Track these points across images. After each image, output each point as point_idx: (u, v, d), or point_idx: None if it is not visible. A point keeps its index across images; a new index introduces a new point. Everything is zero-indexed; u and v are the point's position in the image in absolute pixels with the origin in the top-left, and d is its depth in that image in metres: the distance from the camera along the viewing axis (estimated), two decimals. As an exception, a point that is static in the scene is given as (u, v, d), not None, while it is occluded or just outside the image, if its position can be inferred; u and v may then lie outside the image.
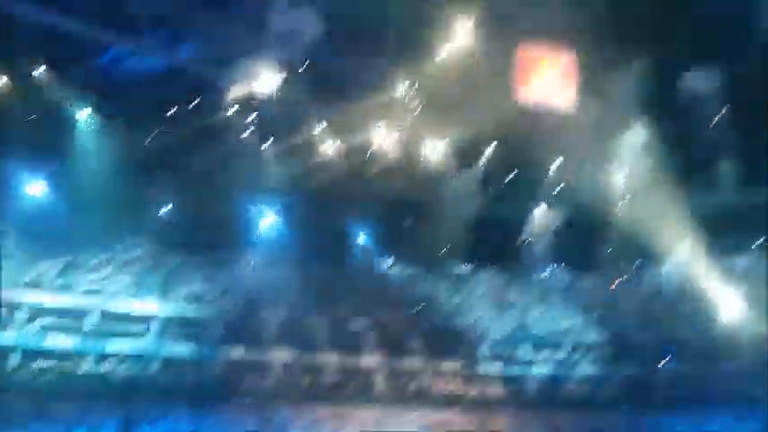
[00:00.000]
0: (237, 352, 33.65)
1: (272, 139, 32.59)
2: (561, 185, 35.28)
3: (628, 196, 35.00)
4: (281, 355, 34.45)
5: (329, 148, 32.42)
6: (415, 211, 38.02)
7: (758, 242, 40.75)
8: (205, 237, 34.83)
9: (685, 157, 31.37)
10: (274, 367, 34.12)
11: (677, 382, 38.86)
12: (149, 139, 29.90)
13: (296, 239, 37.15)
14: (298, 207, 34.90)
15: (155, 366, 31.94)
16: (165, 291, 33.56)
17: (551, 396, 38.83)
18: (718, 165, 34.91)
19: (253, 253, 37.93)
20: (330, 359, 35.61)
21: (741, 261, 41.26)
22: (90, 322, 31.37)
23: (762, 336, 37.60)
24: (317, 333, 36.35)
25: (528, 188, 37.31)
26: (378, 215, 36.92)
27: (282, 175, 33.30)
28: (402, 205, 37.24)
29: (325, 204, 34.33)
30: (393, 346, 37.48)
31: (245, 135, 31.96)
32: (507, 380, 38.82)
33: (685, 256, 38.42)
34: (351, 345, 36.66)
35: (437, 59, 27.90)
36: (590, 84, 27.60)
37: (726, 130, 30.49)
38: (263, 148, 32.87)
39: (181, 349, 32.83)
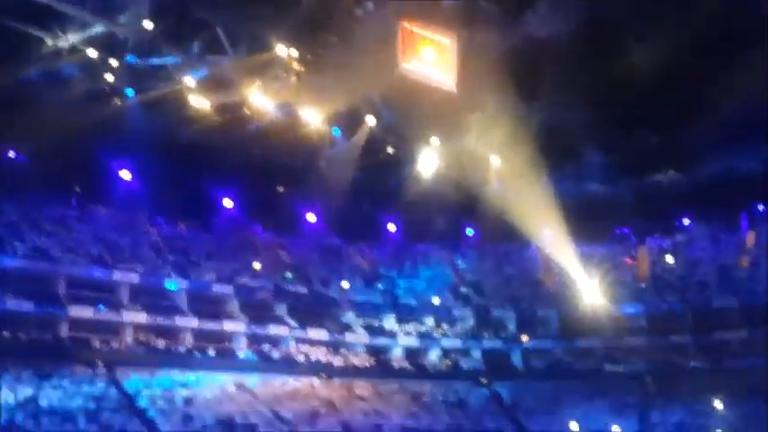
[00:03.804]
0: (86, 311, 31.23)
1: (138, 88, 29.93)
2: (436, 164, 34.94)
3: (500, 179, 35.35)
4: (133, 317, 32.39)
5: (200, 103, 30.12)
6: (289, 177, 36.83)
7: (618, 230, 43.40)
8: (57, 188, 32.23)
9: (556, 146, 32.06)
10: (126, 329, 32.09)
11: (535, 356, 40.89)
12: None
13: (158, 196, 35.06)
14: (162, 162, 32.53)
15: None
16: (3, 243, 30.52)
17: (415, 366, 39.62)
18: (586, 156, 36.21)
19: (109, 207, 35.66)
20: (189, 323, 33.96)
21: (601, 247, 43.61)
22: None
23: (616, 317, 40.15)
24: (177, 296, 34.61)
25: (404, 163, 36.92)
26: (249, 178, 35.21)
27: (148, 128, 30.83)
28: (276, 170, 35.88)
29: (192, 162, 32.27)
30: (258, 312, 36.49)
31: (108, 81, 29.15)
32: (373, 349, 39.04)
33: (550, 239, 39.83)
34: (213, 309, 35.25)
35: (322, 24, 26.37)
36: (471, 66, 27.09)
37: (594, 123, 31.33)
38: (126, 98, 30.20)
39: (22, 305, 29.99)
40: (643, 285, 41.23)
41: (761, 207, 41.72)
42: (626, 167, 37.23)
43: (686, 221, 43.26)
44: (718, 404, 34.40)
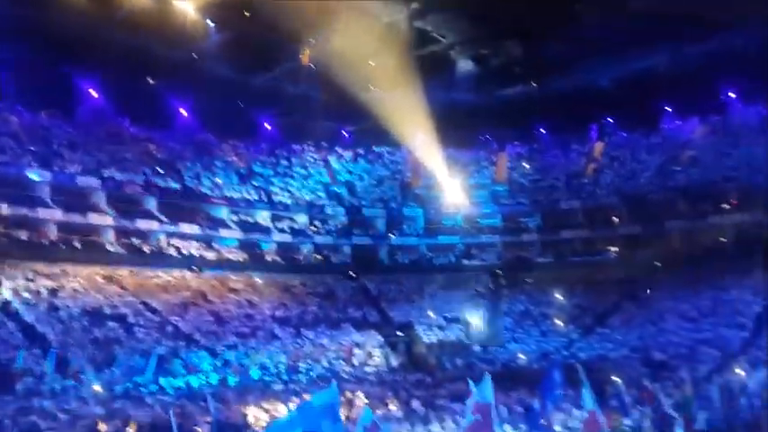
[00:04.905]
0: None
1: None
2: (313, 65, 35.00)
3: (375, 83, 36.07)
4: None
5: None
6: (161, 69, 35.39)
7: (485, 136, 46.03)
8: None
9: (428, 55, 32.99)
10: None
11: (400, 252, 43.27)
12: None
13: (17, 83, 32.73)
14: (22, 48, 30.29)
15: None
16: None
17: (287, 260, 40.62)
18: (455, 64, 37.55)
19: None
20: (53, 215, 32.91)
21: (465, 152, 46.11)
22: None
23: (474, 216, 43.18)
24: (39, 187, 33.17)
25: (281, 61, 36.60)
26: (118, 67, 33.46)
27: (6, 9, 28.46)
28: (147, 60, 34.34)
29: (55, 48, 30.30)
30: (127, 206, 35.79)
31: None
32: (246, 244, 39.62)
33: (419, 143, 41.63)
34: (78, 202, 34.20)
35: None
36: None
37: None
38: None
39: None
40: (500, 188, 44.37)
41: (609, 120, 45.75)
42: (491, 78, 39.08)
43: (542, 131, 46.75)
44: (558, 295, 38.18)
